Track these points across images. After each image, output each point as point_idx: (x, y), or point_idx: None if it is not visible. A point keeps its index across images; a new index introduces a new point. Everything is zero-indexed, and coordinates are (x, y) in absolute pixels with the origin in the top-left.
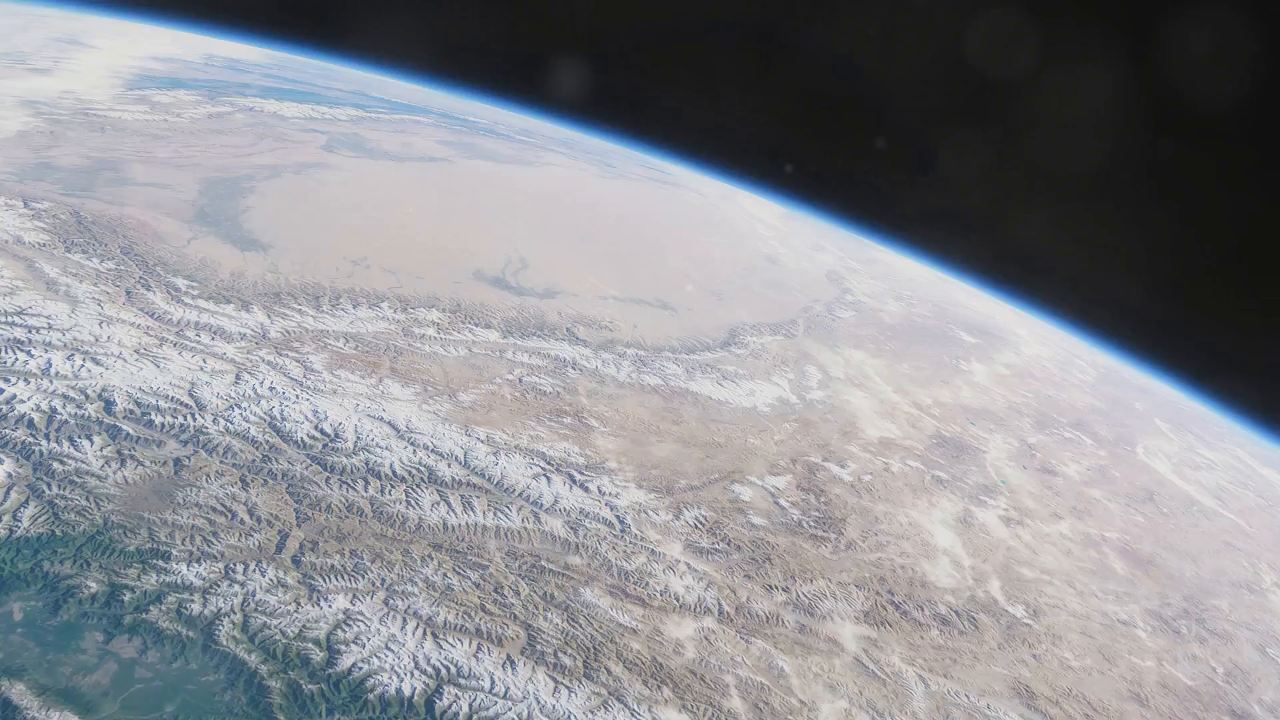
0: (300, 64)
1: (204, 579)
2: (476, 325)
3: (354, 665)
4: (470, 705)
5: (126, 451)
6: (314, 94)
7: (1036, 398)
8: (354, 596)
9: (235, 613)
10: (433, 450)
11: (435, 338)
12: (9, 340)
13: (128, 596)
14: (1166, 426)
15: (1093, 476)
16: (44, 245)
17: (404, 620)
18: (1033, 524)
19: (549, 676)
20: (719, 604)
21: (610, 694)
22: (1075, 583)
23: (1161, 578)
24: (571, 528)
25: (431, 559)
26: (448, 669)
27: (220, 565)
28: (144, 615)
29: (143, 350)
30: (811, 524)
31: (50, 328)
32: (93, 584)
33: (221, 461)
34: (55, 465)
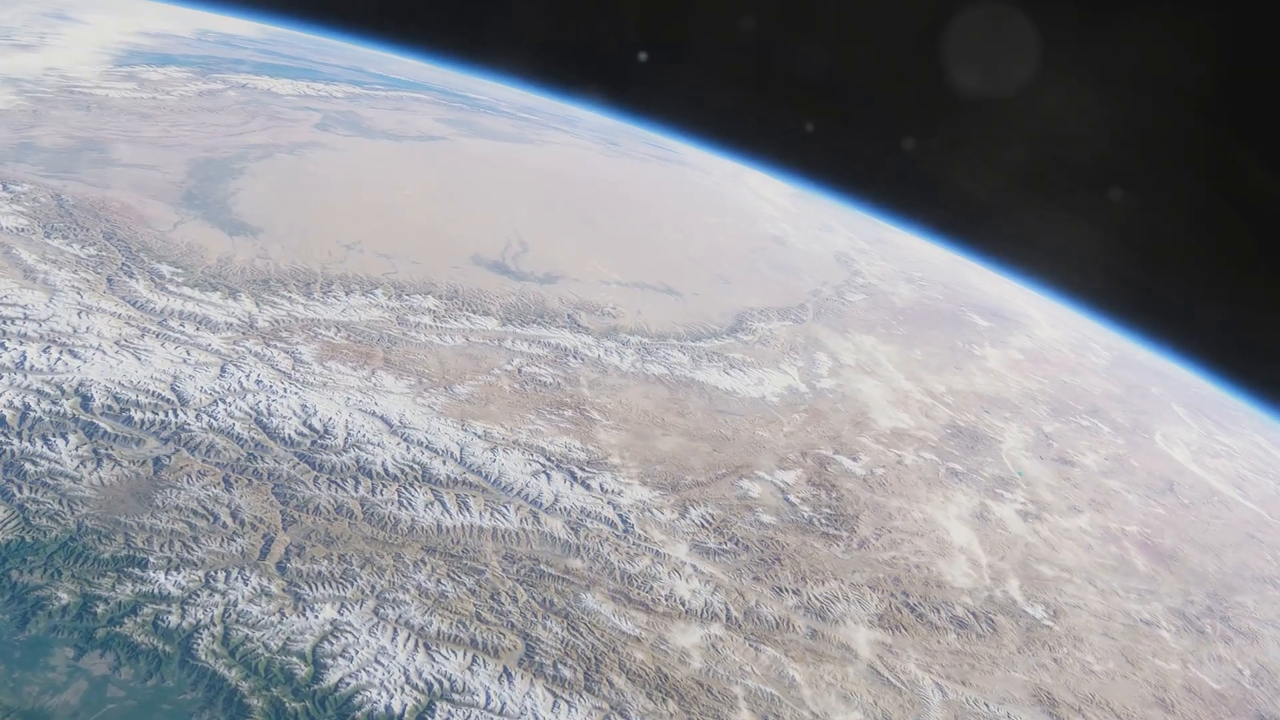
0: (296, 39)
1: (182, 588)
2: (474, 313)
3: (341, 680)
4: None
5: (103, 451)
6: (309, 70)
7: (1052, 383)
8: (342, 606)
9: (215, 625)
10: (427, 446)
11: (431, 326)
12: None
13: (101, 608)
14: (1184, 412)
15: (1111, 466)
16: (22, 230)
17: (395, 631)
18: (1051, 518)
19: (548, 690)
20: (727, 609)
21: (612, 708)
22: (1096, 580)
23: (1184, 573)
24: (572, 528)
25: (425, 564)
26: (440, 683)
27: (200, 573)
28: (118, 628)
29: (123, 342)
30: (823, 521)
31: (26, 318)
32: (64, 595)
33: (204, 460)
34: (27, 466)
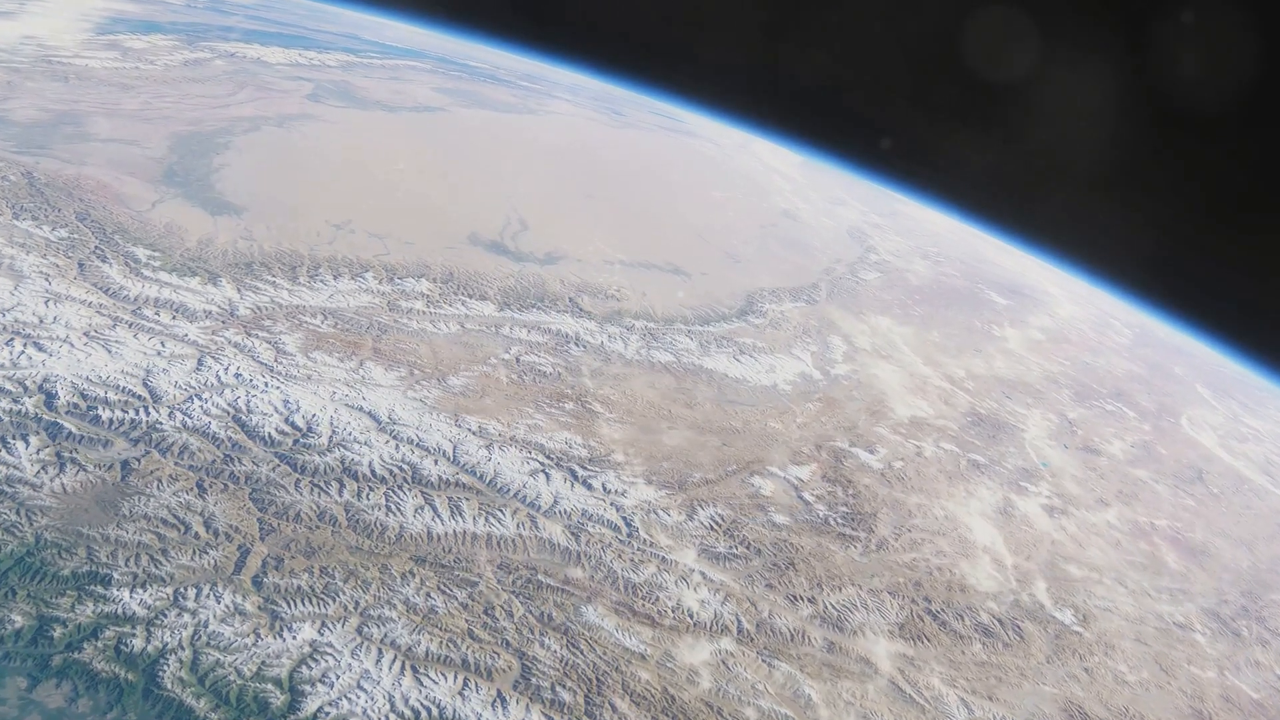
0: (289, 4)
1: (149, 607)
2: (470, 297)
3: (320, 710)
4: None
5: (67, 453)
6: (302, 38)
7: (1074, 365)
8: (323, 625)
9: (183, 648)
10: (418, 445)
11: (424, 312)
12: None
13: (58, 631)
14: (1209, 393)
15: (1137, 455)
16: None
17: (379, 652)
18: (1077, 513)
19: (545, 716)
20: (738, 620)
21: None
22: (1126, 580)
23: (1217, 570)
24: (572, 533)
25: (413, 575)
26: (429, 710)
27: (168, 590)
28: (76, 654)
29: (93, 333)
30: (839, 520)
31: None
32: (18, 617)
33: (176, 463)
34: None
